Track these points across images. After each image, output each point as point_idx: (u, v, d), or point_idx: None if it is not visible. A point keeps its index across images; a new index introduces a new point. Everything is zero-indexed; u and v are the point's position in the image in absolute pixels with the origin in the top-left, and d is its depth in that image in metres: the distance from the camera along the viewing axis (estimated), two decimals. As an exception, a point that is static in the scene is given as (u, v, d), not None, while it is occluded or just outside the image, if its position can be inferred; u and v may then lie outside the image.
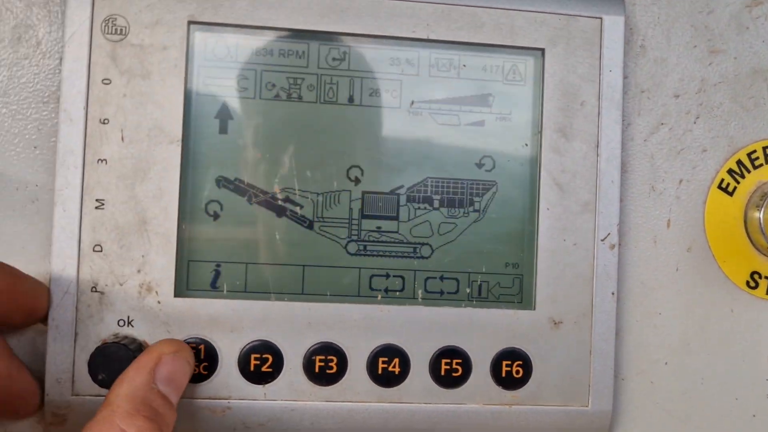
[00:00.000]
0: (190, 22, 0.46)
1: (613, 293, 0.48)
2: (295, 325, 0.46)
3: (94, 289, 0.44)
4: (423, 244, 0.48)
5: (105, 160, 0.45)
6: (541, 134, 0.48)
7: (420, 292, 0.48)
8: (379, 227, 0.47)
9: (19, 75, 0.46)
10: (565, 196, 0.48)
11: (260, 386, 0.45)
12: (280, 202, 0.47)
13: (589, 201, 0.48)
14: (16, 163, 0.46)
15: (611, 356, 0.48)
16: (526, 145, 0.48)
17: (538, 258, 0.48)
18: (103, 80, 0.45)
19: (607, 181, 0.48)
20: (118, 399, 0.38)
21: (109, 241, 0.44)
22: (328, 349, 0.46)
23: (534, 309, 0.48)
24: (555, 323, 0.48)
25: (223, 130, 0.46)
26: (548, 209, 0.48)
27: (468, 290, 0.48)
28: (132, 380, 0.39)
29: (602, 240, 0.48)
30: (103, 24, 0.45)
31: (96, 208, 0.44)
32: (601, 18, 0.48)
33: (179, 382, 0.41)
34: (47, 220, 0.45)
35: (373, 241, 0.47)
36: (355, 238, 0.47)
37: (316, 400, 0.46)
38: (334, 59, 0.47)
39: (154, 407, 0.38)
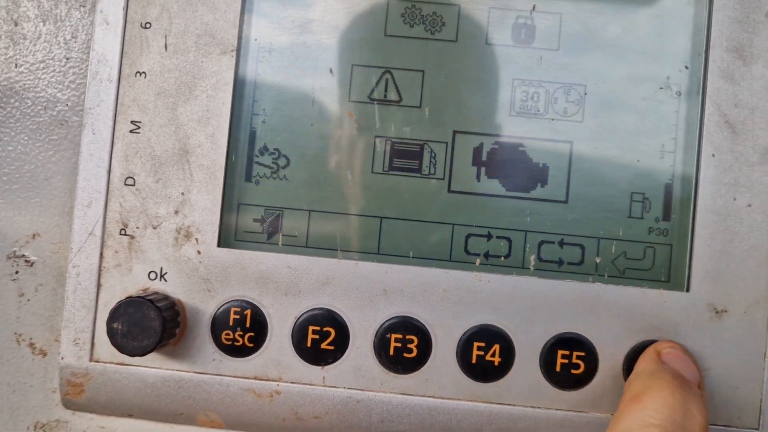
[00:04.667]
0: None
1: (801, 276, 0.35)
2: (366, 292, 0.35)
3: (123, 232, 0.36)
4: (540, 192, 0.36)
5: (144, 72, 0.36)
6: (707, 54, 0.35)
7: (532, 258, 0.36)
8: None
9: (54, -27, 0.38)
10: (739, 140, 0.35)
11: (318, 368, 0.35)
12: (356, 132, 0.37)
13: (772, 148, 0.35)
14: (45, 76, 0.38)
15: (795, 363, 0.35)
16: (686, 68, 0.36)
17: (695, 222, 0.35)
18: (147, -24, 0.36)
19: (800, 122, 0.35)
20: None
21: (144, 173, 0.36)
22: (407, 325, 0.35)
23: (687, 291, 0.35)
24: (716, 312, 0.35)
25: (290, 37, 0.37)
26: (714, 156, 0.35)
27: (597, 260, 0.36)
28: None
29: (789, 202, 0.35)
30: None
31: (131, 131, 0.36)
32: None
33: None
34: (76, 147, 0.37)
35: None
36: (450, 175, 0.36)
37: (388, 391, 0.35)
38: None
39: None
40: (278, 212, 0.37)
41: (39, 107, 0.38)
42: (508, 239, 0.36)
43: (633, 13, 0.36)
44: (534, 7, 0.36)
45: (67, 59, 0.38)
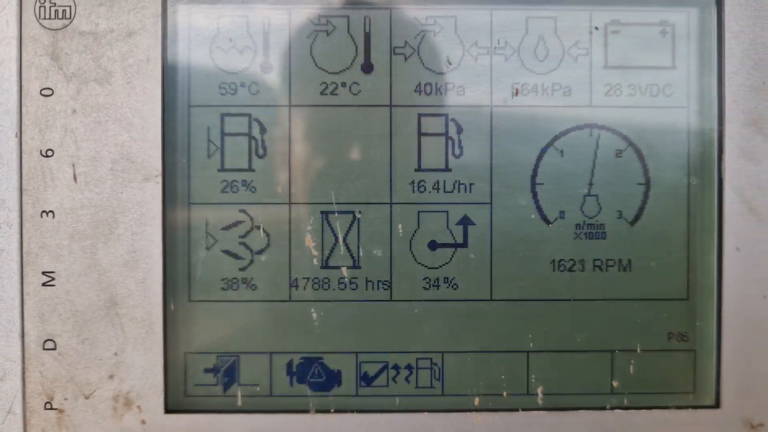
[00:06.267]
0: (167, -7, 0.30)
1: (844, 375, 0.30)
2: (348, 448, 0.30)
3: (49, 406, 0.30)
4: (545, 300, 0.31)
5: (51, 212, 0.30)
6: (722, 130, 0.30)
7: (539, 388, 0.31)
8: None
9: (-72, 90, 0.31)
10: (766, 228, 0.30)
11: None
12: (315, 261, 0.31)
13: (803, 233, 0.30)
14: (-68, 220, 0.31)
15: (843, 473, 0.30)
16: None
17: (722, 326, 0.30)
18: (41, 91, 0.30)
19: (832, 200, 0.30)
20: None
21: (65, 334, 0.30)
22: (400, 481, 0.30)
23: (718, 406, 0.30)
24: (752, 427, 0.30)
25: (223, 152, 0.30)
26: (738, 250, 0.30)
27: (613, 383, 0.31)
28: None
29: (825, 293, 0.30)
30: (38, 4, 0.30)
31: (44, 284, 0.30)
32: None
33: None
34: (-20, 302, 0.31)
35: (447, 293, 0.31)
36: (426, 293, 0.31)
37: None
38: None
39: None
40: (234, 358, 0.31)
41: (-71, 257, 0.31)
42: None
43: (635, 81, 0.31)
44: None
45: (-43, 196, 0.31)
